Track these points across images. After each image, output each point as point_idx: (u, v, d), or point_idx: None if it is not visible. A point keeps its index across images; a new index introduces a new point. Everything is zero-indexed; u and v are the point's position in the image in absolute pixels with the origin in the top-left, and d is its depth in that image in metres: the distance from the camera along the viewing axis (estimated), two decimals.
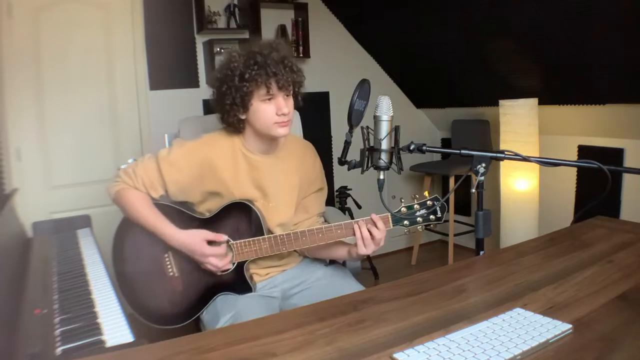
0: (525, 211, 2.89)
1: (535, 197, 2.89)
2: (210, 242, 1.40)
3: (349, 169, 1.35)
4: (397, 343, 0.82)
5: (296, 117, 1.93)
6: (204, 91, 3.08)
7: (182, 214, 1.48)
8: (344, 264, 1.72)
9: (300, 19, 3.27)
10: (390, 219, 1.36)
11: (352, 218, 1.89)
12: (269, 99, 1.38)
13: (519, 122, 2.79)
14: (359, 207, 3.39)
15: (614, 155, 2.72)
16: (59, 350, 0.86)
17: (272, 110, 1.38)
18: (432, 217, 1.37)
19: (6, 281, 1.07)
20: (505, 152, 1.26)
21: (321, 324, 0.91)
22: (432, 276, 1.16)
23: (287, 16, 3.32)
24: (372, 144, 1.27)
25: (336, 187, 3.47)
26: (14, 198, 1.62)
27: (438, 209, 1.36)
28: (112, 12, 2.82)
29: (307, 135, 1.86)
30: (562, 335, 0.81)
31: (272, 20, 3.25)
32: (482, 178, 1.24)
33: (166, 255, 1.46)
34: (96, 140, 2.84)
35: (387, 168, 1.26)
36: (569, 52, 2.47)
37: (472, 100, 3.42)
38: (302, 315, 0.98)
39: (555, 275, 1.09)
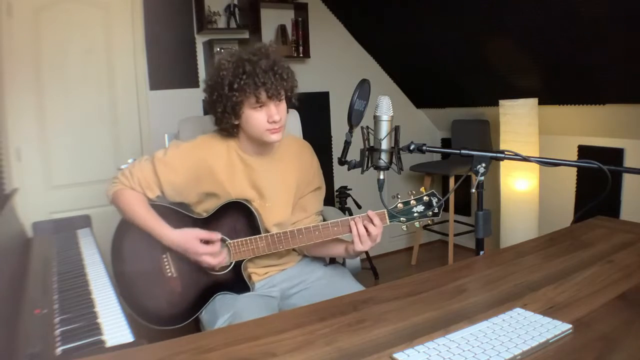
0: (525, 211, 2.89)
1: (535, 197, 2.89)
2: (206, 242, 1.40)
3: (349, 169, 1.35)
4: (397, 343, 0.82)
5: (296, 117, 1.93)
6: None
7: (179, 214, 1.48)
8: (343, 263, 1.72)
9: (300, 19, 3.27)
10: (386, 215, 1.36)
11: None
12: (260, 107, 1.37)
13: (519, 122, 2.79)
14: (359, 207, 3.39)
15: (614, 155, 2.72)
16: (59, 350, 0.86)
17: (264, 118, 1.37)
18: (429, 212, 1.37)
19: (6, 281, 1.07)
20: (505, 152, 1.26)
21: (321, 324, 0.91)
22: (432, 276, 1.16)
23: (287, 16, 3.32)
24: (372, 144, 1.27)
25: (336, 187, 3.47)
26: (14, 198, 1.62)
27: (435, 203, 1.37)
28: (112, 12, 2.82)
29: (307, 135, 1.86)
30: (562, 335, 0.81)
31: (272, 20, 3.25)
32: (482, 178, 1.24)
33: (164, 255, 1.46)
34: (96, 140, 2.84)
35: (387, 168, 1.26)
36: (569, 52, 2.47)
37: (472, 100, 3.42)
38: (302, 315, 0.98)
39: (555, 275, 1.09)
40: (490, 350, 0.76)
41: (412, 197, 1.37)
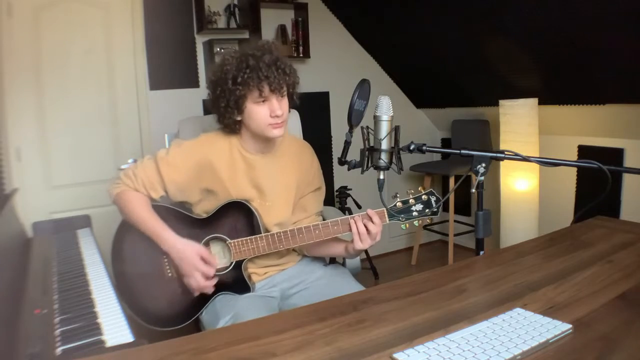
0: (525, 211, 2.89)
1: (535, 197, 2.89)
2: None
3: (349, 169, 1.35)
4: (397, 343, 0.82)
5: (296, 117, 1.93)
6: (204, 91, 3.00)
7: (180, 214, 1.48)
8: (343, 263, 1.72)
9: (300, 19, 3.27)
10: (386, 214, 1.36)
11: None
12: (263, 101, 1.38)
13: (519, 122, 2.79)
14: (359, 207, 3.39)
15: (614, 155, 2.72)
16: (59, 350, 0.86)
17: (266, 113, 1.38)
18: (427, 210, 1.37)
19: (6, 281, 1.07)
20: (505, 152, 1.26)
21: (321, 324, 0.91)
22: (432, 276, 1.16)
23: (287, 16, 3.32)
24: (372, 144, 1.27)
25: (336, 187, 3.47)
26: (14, 198, 1.62)
27: (433, 202, 1.37)
28: (112, 12, 2.82)
29: (307, 135, 1.86)
30: (562, 335, 0.81)
31: (272, 20, 3.25)
32: (482, 178, 1.24)
33: (164, 256, 1.45)
34: (96, 140, 2.84)
35: (387, 168, 1.26)
36: (569, 52, 2.47)
37: (472, 100, 3.42)
38: (302, 315, 0.98)
39: (555, 275, 1.09)
40: (490, 350, 0.76)
41: (411, 196, 1.38)
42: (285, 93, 1.41)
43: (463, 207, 3.81)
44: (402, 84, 3.86)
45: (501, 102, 2.87)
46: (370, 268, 3.42)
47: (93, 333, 0.92)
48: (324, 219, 1.60)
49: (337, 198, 3.42)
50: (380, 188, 1.26)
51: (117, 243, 1.48)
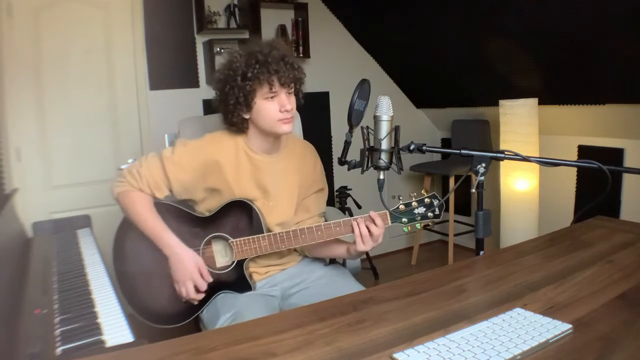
0: (525, 211, 2.89)
1: (535, 197, 2.89)
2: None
3: (349, 169, 1.35)
4: (397, 343, 0.82)
5: (296, 117, 1.93)
6: (204, 91, 3.08)
7: (182, 212, 1.48)
8: (343, 263, 1.72)
9: (300, 19, 3.27)
10: (388, 216, 1.37)
11: None
12: (272, 97, 1.39)
13: (519, 122, 2.79)
14: (359, 207, 3.39)
15: (614, 155, 2.72)
16: (59, 350, 0.86)
17: (276, 108, 1.39)
18: (430, 214, 1.37)
19: (6, 281, 1.07)
20: (505, 152, 1.26)
21: (321, 324, 0.91)
22: (432, 276, 1.16)
23: (287, 16, 3.32)
24: (372, 144, 1.27)
25: (336, 187, 3.47)
26: (14, 198, 1.62)
27: (436, 205, 1.37)
28: (112, 12, 2.82)
29: (307, 135, 1.86)
30: (562, 335, 0.81)
31: (272, 20, 3.25)
32: (482, 178, 1.24)
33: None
34: (96, 140, 2.83)
35: (387, 168, 1.26)
36: (569, 52, 2.47)
37: (472, 100, 3.42)
38: (302, 315, 0.98)
39: (555, 275, 1.09)
40: (490, 350, 0.76)
41: (414, 199, 1.38)
42: (293, 89, 1.43)
43: (463, 207, 3.81)
44: (402, 84, 3.86)
45: (501, 102, 2.87)
46: (370, 268, 3.42)
47: (93, 333, 0.92)
48: (325, 220, 1.61)
49: (337, 198, 3.42)
50: (380, 188, 1.26)
51: (119, 240, 1.48)
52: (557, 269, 1.13)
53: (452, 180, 3.36)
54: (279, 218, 1.51)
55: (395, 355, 0.77)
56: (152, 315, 1.47)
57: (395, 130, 1.26)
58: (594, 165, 1.21)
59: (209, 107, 3.02)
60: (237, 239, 1.43)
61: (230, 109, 1.41)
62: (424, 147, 1.28)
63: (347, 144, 1.36)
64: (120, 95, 2.89)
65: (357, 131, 1.32)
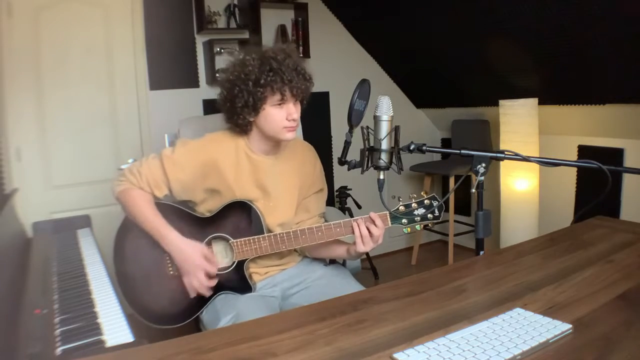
0: (525, 211, 2.89)
1: (535, 197, 2.89)
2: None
3: (349, 169, 1.35)
4: (397, 343, 0.82)
5: None
6: (204, 91, 3.08)
7: (183, 212, 1.48)
8: (343, 263, 1.72)
9: (300, 19, 3.27)
10: (388, 217, 1.37)
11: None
12: (281, 105, 1.39)
13: (519, 122, 2.79)
14: (359, 207, 3.39)
15: (614, 155, 2.72)
16: (59, 350, 0.86)
17: (283, 115, 1.39)
18: (430, 215, 1.37)
19: (6, 281, 1.07)
20: (505, 152, 1.26)
21: (321, 324, 0.91)
22: (432, 276, 1.16)
23: (287, 16, 3.32)
24: (372, 144, 1.27)
25: (336, 187, 3.47)
26: (14, 198, 1.62)
27: (436, 207, 1.37)
28: (112, 12, 2.82)
29: (307, 135, 1.86)
30: (562, 335, 0.81)
31: (272, 20, 3.25)
32: (482, 178, 1.24)
33: (166, 254, 1.45)
34: (96, 140, 2.83)
35: (387, 168, 1.26)
36: (569, 52, 2.47)
37: (472, 100, 3.42)
38: (302, 315, 0.98)
39: (555, 275, 1.09)
40: (490, 350, 0.76)
41: (414, 200, 1.38)
42: (301, 97, 1.43)
43: (463, 207, 3.81)
44: (402, 84, 3.86)
45: (501, 102, 2.87)
46: (370, 268, 3.42)
47: (93, 333, 0.92)
48: (325, 220, 1.61)
49: (337, 198, 3.42)
50: (380, 188, 1.26)
51: (119, 240, 1.48)
52: (557, 269, 1.13)
53: (452, 180, 3.36)
54: (279, 218, 1.51)
55: (395, 355, 0.77)
56: (152, 315, 1.46)
57: (395, 130, 1.26)
58: (594, 165, 1.21)
59: (209, 107, 3.02)
60: (238, 240, 1.43)
61: (237, 111, 1.41)
62: (424, 147, 1.28)
63: (347, 144, 1.36)
64: (120, 95, 2.89)
65: (357, 131, 1.32)
